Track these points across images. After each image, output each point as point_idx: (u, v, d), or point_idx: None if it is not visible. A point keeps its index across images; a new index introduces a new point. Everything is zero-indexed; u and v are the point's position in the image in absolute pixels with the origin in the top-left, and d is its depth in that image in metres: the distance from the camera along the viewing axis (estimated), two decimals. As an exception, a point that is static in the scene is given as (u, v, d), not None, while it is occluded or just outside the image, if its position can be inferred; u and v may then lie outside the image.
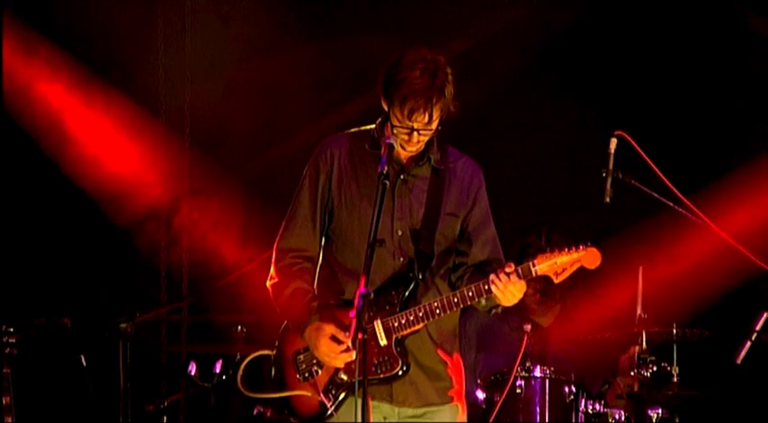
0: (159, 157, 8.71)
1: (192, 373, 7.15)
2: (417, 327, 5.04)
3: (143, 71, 8.68)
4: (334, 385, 5.09)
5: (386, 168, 4.89)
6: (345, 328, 5.02)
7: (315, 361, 5.10)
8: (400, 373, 5.04)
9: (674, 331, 7.27)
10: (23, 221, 8.28)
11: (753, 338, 5.96)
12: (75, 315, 7.03)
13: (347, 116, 8.28)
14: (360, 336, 4.62)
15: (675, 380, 7.23)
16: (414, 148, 5.08)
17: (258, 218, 8.36)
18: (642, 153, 5.49)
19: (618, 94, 8.19)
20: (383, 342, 5.04)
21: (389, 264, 5.10)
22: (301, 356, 5.14)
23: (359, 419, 4.81)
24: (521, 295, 4.97)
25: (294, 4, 8.58)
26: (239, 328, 7.30)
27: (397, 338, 5.04)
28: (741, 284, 7.44)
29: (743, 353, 5.96)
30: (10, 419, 6.87)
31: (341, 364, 5.05)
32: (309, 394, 5.09)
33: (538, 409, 7.13)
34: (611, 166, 5.47)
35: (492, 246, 5.21)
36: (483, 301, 5.04)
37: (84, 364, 7.04)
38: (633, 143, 5.47)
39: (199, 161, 8.76)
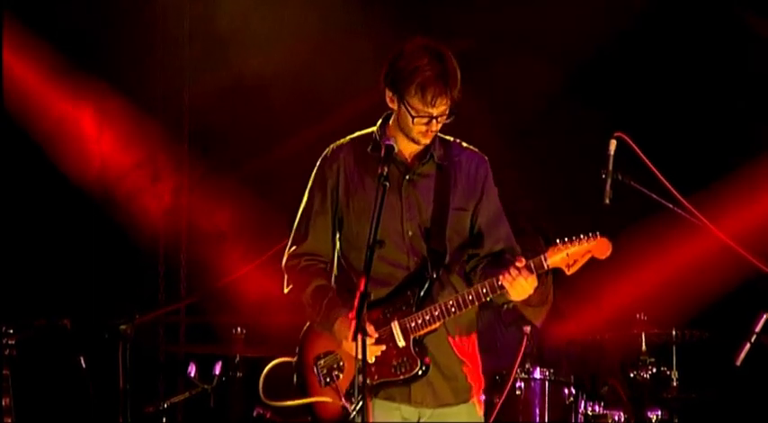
0: (158, 154, 8.73)
1: (192, 375, 7.15)
2: (434, 326, 4.99)
3: (142, 69, 8.69)
4: (355, 389, 5.01)
5: (385, 170, 4.85)
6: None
7: (335, 365, 5.06)
8: (420, 373, 4.98)
9: (674, 333, 7.28)
10: (23, 222, 8.28)
11: (752, 340, 5.95)
12: (74, 316, 7.02)
13: (344, 117, 8.29)
14: (360, 337, 4.60)
15: (675, 382, 7.24)
16: (428, 140, 5.04)
17: (258, 218, 8.37)
18: (641, 155, 5.48)
19: (618, 95, 8.18)
20: (401, 343, 4.99)
21: (403, 265, 5.06)
22: (322, 361, 5.09)
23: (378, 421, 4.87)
24: (531, 290, 4.91)
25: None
26: (238, 329, 7.30)
27: (414, 339, 4.99)
28: (740, 286, 7.45)
29: (742, 354, 5.95)
30: (10, 421, 6.87)
31: (371, 358, 4.95)
32: (331, 400, 5.04)
33: (537, 411, 7.13)
34: (610, 168, 5.46)
35: (505, 236, 5.15)
36: (496, 297, 4.99)
37: (84, 365, 7.03)
38: (633, 145, 5.46)
39: (198, 160, 8.78)
